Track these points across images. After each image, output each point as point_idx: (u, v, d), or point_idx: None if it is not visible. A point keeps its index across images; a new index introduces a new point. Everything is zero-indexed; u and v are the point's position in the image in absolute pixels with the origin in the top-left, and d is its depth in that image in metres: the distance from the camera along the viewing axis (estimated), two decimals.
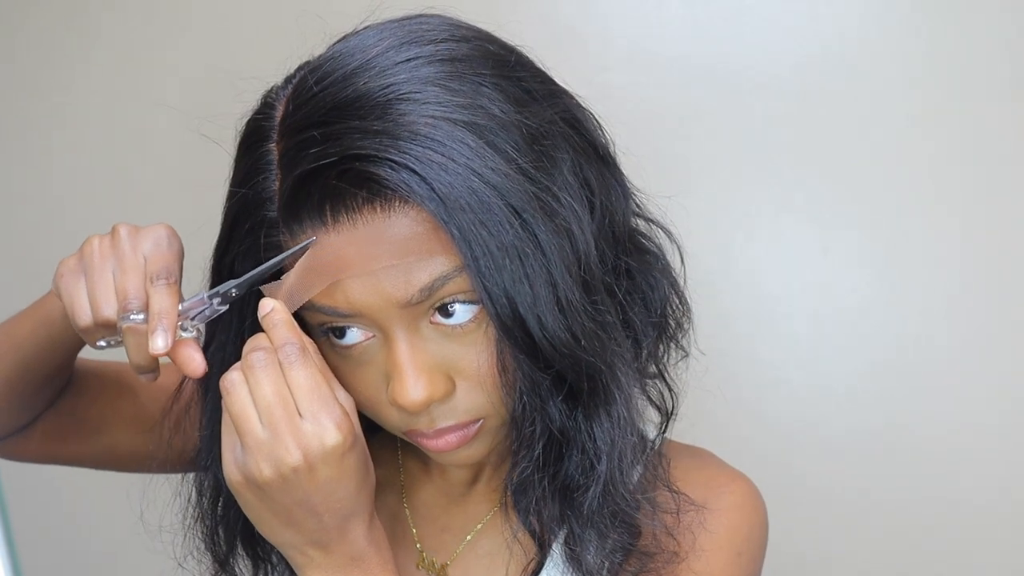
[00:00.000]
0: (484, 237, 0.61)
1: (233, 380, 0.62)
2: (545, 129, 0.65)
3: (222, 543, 0.77)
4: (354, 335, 0.66)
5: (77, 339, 0.75)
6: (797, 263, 1.42)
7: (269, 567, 0.79)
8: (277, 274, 0.65)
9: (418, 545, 0.79)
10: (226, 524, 0.76)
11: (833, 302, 1.41)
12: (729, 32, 1.40)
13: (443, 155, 0.60)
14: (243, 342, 0.65)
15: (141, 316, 0.65)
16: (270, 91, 0.69)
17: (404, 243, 0.61)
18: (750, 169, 1.41)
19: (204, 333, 0.67)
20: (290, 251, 0.63)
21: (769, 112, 1.39)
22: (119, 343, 0.67)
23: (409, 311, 0.64)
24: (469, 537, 0.78)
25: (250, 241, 0.65)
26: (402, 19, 0.68)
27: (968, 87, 1.35)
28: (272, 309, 0.63)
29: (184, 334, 0.65)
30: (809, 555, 1.41)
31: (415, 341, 0.65)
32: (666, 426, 0.76)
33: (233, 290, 0.66)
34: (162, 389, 0.80)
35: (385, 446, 0.82)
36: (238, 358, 0.65)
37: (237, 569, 0.79)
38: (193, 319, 0.66)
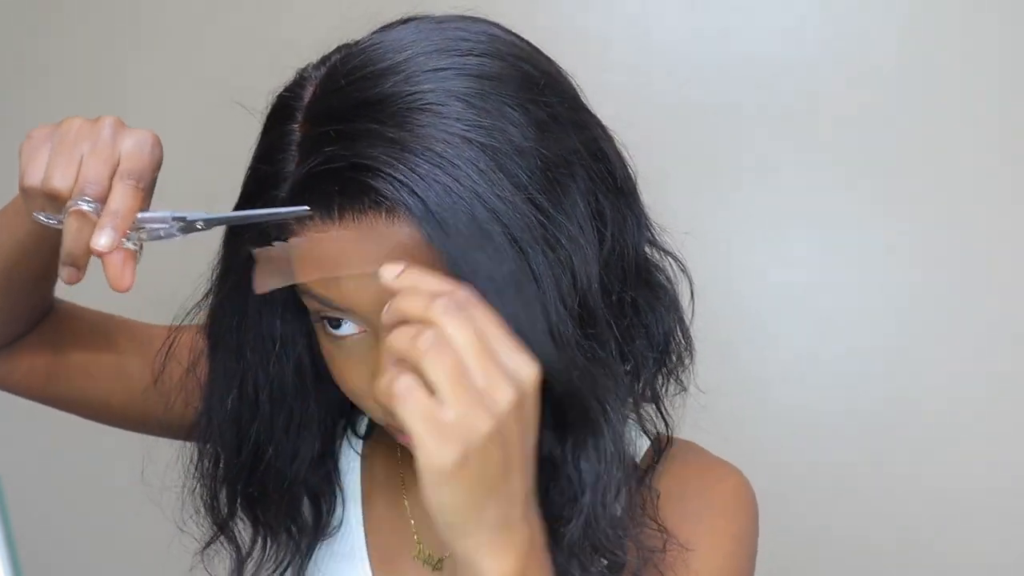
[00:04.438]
0: (477, 263, 0.60)
1: (429, 338, 0.54)
2: (563, 157, 0.64)
3: (223, 506, 0.77)
4: (348, 327, 0.66)
5: (48, 237, 0.70)
6: (797, 263, 1.42)
7: (269, 532, 0.79)
8: (261, 236, 0.65)
9: (415, 537, 0.80)
10: (228, 486, 0.76)
11: (833, 303, 1.41)
12: (730, 33, 1.40)
13: (451, 176, 0.60)
14: (249, 304, 0.67)
15: (93, 206, 0.62)
16: (304, 68, 0.68)
17: (403, 250, 0.61)
18: (751, 169, 1.41)
19: (142, 251, 0.63)
20: (275, 210, 0.62)
21: (770, 112, 1.39)
22: (60, 223, 0.63)
23: None
24: None
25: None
26: (444, 20, 0.67)
27: (969, 87, 1.35)
28: (406, 266, 0.58)
29: (126, 243, 0.62)
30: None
31: None
32: (659, 459, 0.75)
33: (200, 223, 0.64)
34: (150, 350, 0.80)
35: (384, 439, 0.83)
36: (244, 318, 0.66)
37: (236, 531, 0.79)
38: (139, 231, 0.62)
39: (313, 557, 0.82)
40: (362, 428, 0.84)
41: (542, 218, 0.62)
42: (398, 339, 0.55)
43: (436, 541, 0.79)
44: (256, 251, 0.64)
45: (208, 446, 0.76)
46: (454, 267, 0.60)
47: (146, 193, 0.64)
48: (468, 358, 0.54)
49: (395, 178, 0.60)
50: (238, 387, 0.74)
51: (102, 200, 0.62)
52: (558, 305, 0.63)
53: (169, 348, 0.78)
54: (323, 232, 0.62)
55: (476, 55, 0.64)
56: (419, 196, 0.59)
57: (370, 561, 0.80)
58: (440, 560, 0.79)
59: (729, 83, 1.40)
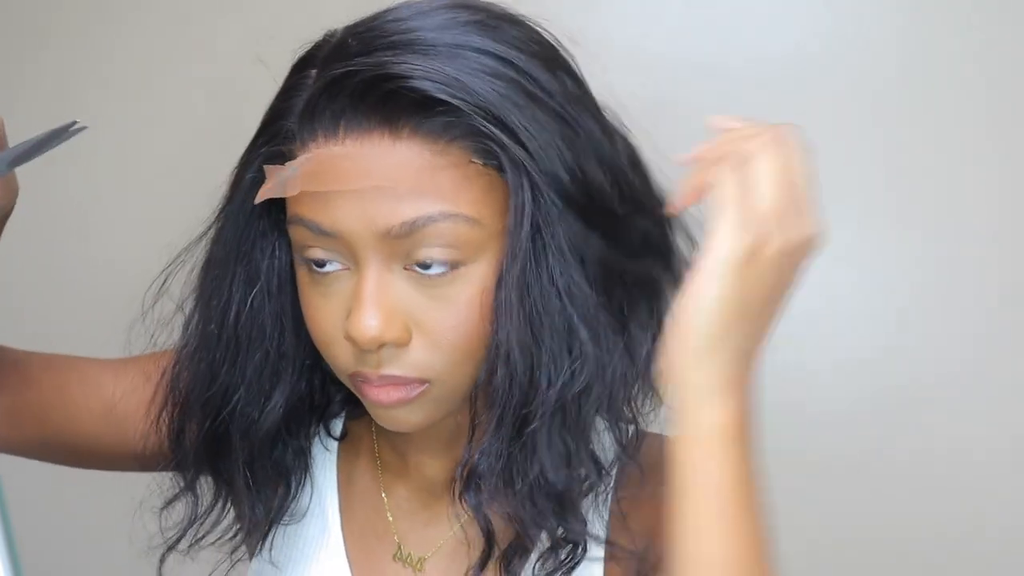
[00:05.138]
0: (529, 127, 0.63)
1: (770, 135, 0.62)
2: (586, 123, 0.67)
3: (188, 443, 0.77)
4: (331, 267, 0.67)
5: None
6: None
7: (229, 489, 0.78)
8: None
9: (396, 538, 0.80)
10: (197, 418, 0.75)
11: (834, 303, 1.41)
12: (730, 33, 1.40)
13: (485, 62, 0.63)
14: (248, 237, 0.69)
15: None
16: (330, 30, 0.70)
17: (400, 170, 0.63)
18: None
19: None
20: (56, 128, 0.63)
21: (770, 113, 1.39)
22: None
23: (387, 246, 0.64)
24: (449, 534, 0.78)
25: (267, 147, 0.67)
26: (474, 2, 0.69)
27: (971, 87, 1.35)
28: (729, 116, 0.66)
29: None
30: None
31: (385, 278, 0.65)
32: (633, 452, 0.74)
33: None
34: (120, 376, 0.80)
35: (361, 446, 0.83)
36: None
37: (201, 484, 0.79)
38: None
39: (285, 540, 0.81)
40: (337, 430, 0.84)
41: (574, 86, 0.67)
42: (737, 140, 0.61)
43: (419, 544, 0.79)
44: (267, 167, 0.65)
45: (184, 374, 0.75)
46: (496, 138, 0.62)
47: None
48: (795, 176, 0.59)
49: (421, 67, 0.62)
50: (220, 314, 0.73)
51: None
52: (615, 153, 0.68)
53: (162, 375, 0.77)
54: (326, 150, 0.63)
55: (497, 15, 0.67)
56: (446, 74, 0.62)
57: (349, 562, 0.80)
58: (421, 560, 0.78)
59: (729, 83, 1.40)
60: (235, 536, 0.80)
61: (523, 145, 0.63)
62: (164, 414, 0.77)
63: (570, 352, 0.66)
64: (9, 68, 1.62)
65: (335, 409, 0.83)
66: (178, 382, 0.76)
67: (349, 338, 0.66)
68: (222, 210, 0.72)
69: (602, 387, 0.67)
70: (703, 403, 0.59)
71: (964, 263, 1.38)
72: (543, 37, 0.69)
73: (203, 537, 0.79)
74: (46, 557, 1.58)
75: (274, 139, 0.67)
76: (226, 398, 0.75)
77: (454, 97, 0.62)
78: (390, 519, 0.80)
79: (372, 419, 0.74)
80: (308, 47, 0.69)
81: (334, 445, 0.83)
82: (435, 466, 0.78)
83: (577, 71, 0.70)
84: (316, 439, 0.83)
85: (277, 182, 0.65)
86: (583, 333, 0.66)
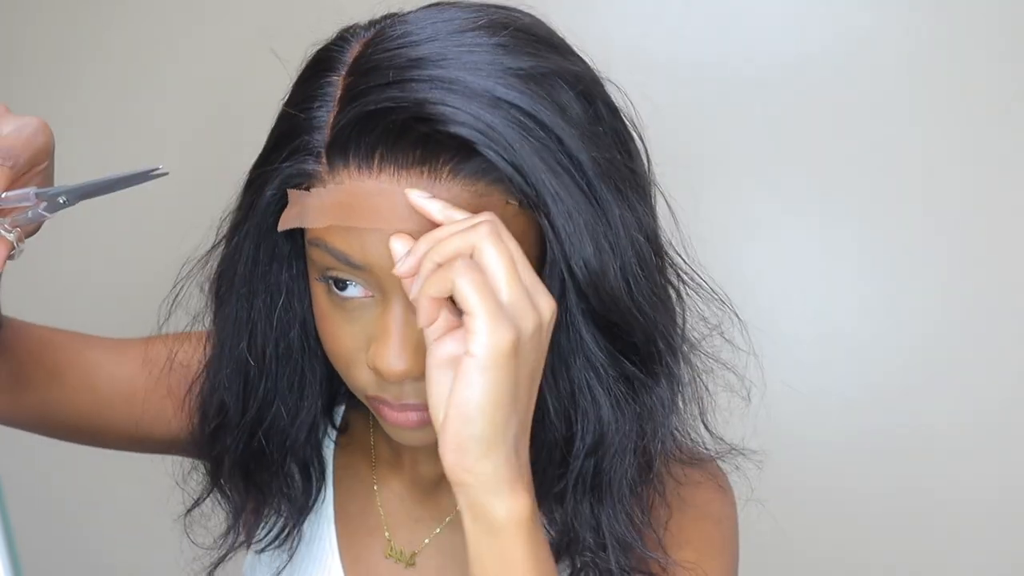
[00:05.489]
0: (551, 194, 0.61)
1: (485, 229, 0.58)
2: (607, 152, 0.65)
3: (223, 466, 0.77)
4: (354, 290, 0.65)
5: None
6: (798, 264, 1.42)
7: (261, 497, 0.78)
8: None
9: (387, 534, 0.80)
10: (232, 441, 0.75)
11: (834, 303, 1.41)
12: (730, 33, 1.40)
13: (512, 113, 0.60)
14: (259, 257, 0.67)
15: None
16: (349, 27, 0.68)
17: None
18: (750, 169, 1.41)
19: (21, 246, 0.63)
20: (133, 172, 0.62)
21: (770, 113, 1.39)
22: None
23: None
24: (439, 529, 0.79)
25: (287, 165, 0.64)
26: (487, 5, 0.67)
27: (972, 88, 1.35)
28: (431, 196, 0.60)
29: (6, 235, 0.63)
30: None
31: (412, 313, 0.63)
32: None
33: (62, 197, 0.63)
34: (128, 361, 0.80)
35: (357, 438, 0.83)
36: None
37: (236, 492, 0.79)
38: (9, 217, 0.62)
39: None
40: (338, 419, 0.84)
41: (607, 167, 0.63)
42: (452, 237, 0.58)
43: (409, 539, 0.79)
44: (291, 191, 0.63)
45: (214, 397, 0.75)
46: (533, 200, 0.60)
47: (14, 173, 0.63)
48: (519, 264, 0.58)
49: (464, 111, 0.59)
50: (248, 336, 0.72)
51: None
52: (629, 243, 0.64)
53: (169, 359, 0.78)
54: (359, 183, 0.61)
55: (530, 35, 0.65)
56: (488, 126, 0.59)
57: (341, 556, 0.80)
58: (413, 555, 0.79)
59: (729, 83, 1.40)
60: (277, 536, 0.80)
61: (551, 219, 0.61)
62: (196, 433, 0.77)
63: (576, 408, 0.66)
64: (10, 68, 1.62)
65: (338, 400, 0.83)
66: (209, 406, 0.76)
67: (374, 368, 0.65)
68: (237, 226, 0.69)
69: (614, 448, 0.67)
70: (497, 495, 0.59)
71: (968, 265, 1.38)
72: (582, 69, 0.67)
73: (241, 544, 0.80)
74: (46, 557, 1.58)
75: (296, 155, 0.63)
76: (261, 417, 0.75)
77: (491, 149, 0.60)
78: (381, 513, 0.81)
79: (370, 411, 0.74)
80: (326, 45, 0.66)
81: (334, 436, 0.83)
82: (429, 462, 0.79)
83: (612, 102, 0.68)
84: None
85: (302, 210, 0.62)
86: (590, 393, 0.66)
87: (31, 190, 0.63)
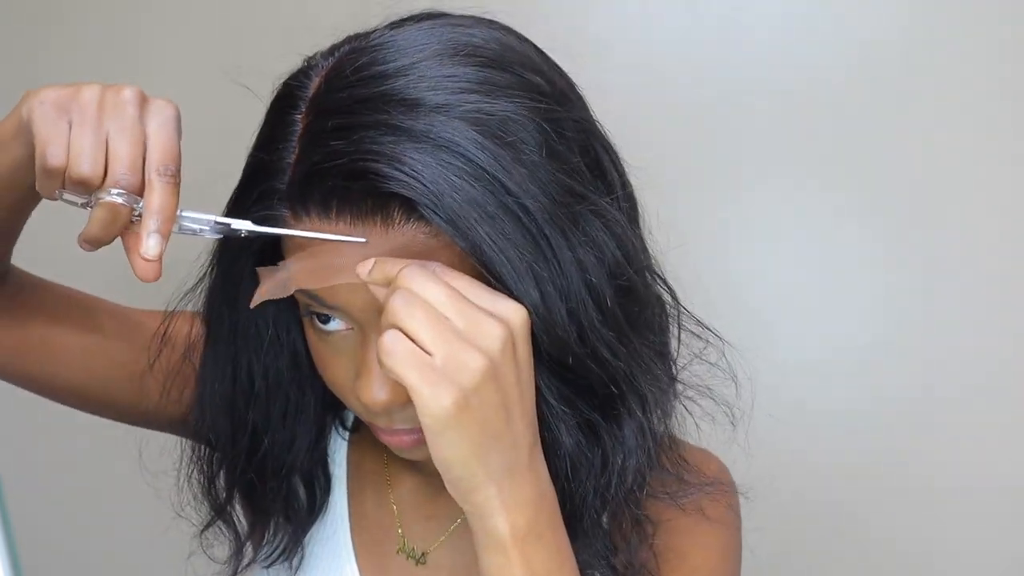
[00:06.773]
0: (493, 248, 0.59)
1: (401, 295, 0.57)
2: (568, 179, 0.63)
3: (220, 492, 0.78)
4: (335, 324, 0.66)
5: (19, 185, 0.66)
6: (798, 265, 1.42)
7: (265, 518, 0.79)
8: (275, 249, 0.66)
9: (400, 531, 0.80)
10: (225, 473, 0.77)
11: (834, 303, 1.41)
12: (730, 35, 1.40)
13: (458, 163, 0.59)
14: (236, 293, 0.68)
15: (123, 198, 0.59)
16: (312, 57, 0.68)
17: (397, 255, 0.61)
18: (751, 169, 1.41)
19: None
20: (328, 236, 0.61)
21: (770, 113, 1.39)
22: (84, 205, 0.60)
23: None
24: (452, 527, 0.79)
25: (257, 207, 0.64)
26: (457, 23, 0.67)
27: (973, 86, 1.35)
28: (375, 261, 0.60)
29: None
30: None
31: None
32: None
33: (243, 231, 0.63)
34: (139, 335, 0.79)
35: (369, 435, 0.83)
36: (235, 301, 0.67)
37: (235, 517, 0.80)
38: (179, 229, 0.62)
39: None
40: (350, 420, 0.84)
41: (559, 207, 0.62)
42: (383, 317, 0.58)
43: (422, 537, 0.80)
44: (259, 269, 0.64)
45: (205, 430, 0.76)
46: (471, 251, 0.59)
47: (178, 183, 0.61)
48: (442, 306, 0.57)
49: (399, 168, 0.59)
50: (232, 373, 0.74)
51: (137, 192, 0.60)
52: (583, 286, 0.63)
53: (165, 332, 0.77)
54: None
55: (487, 64, 0.63)
56: (422, 182, 0.59)
57: (355, 554, 0.80)
58: (424, 554, 0.79)
59: (729, 83, 1.40)
60: (282, 553, 0.81)
61: (489, 268, 0.60)
62: (192, 466, 0.78)
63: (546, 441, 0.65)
64: (11, 67, 1.62)
65: None
66: (199, 444, 0.77)
67: (358, 400, 0.66)
68: (213, 266, 0.71)
69: (581, 484, 0.66)
70: (498, 515, 0.60)
71: (968, 264, 1.38)
72: (550, 94, 0.65)
73: (250, 564, 0.81)
74: (46, 557, 1.58)
75: (263, 200, 0.64)
76: (253, 447, 0.76)
77: (427, 208, 0.59)
78: (395, 510, 0.81)
79: None
80: (287, 80, 0.67)
81: (346, 436, 0.84)
82: None
83: (588, 125, 0.68)
84: (332, 430, 0.84)
85: (273, 284, 0.63)
86: (552, 432, 0.65)
87: (213, 217, 0.63)
